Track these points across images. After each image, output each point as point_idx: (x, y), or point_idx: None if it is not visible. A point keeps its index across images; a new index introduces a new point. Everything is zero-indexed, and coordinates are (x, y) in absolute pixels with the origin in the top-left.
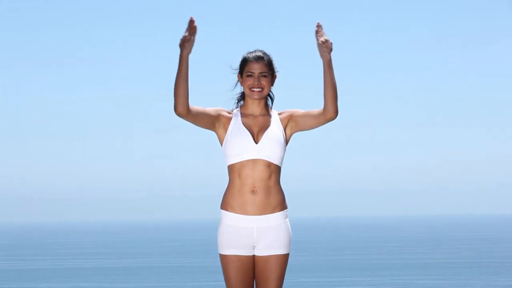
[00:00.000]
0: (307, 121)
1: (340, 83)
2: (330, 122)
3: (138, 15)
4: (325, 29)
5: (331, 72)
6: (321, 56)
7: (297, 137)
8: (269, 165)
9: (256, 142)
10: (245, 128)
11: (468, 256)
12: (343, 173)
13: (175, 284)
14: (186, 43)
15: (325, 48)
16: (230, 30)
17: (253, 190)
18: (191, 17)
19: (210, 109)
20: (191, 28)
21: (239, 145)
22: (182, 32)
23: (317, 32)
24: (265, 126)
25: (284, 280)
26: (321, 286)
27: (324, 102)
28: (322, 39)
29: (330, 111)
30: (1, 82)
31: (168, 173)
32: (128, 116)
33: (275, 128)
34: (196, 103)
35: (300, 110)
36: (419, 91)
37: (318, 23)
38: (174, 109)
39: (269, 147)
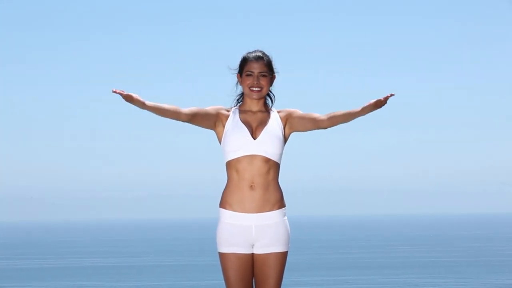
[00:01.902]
0: (302, 124)
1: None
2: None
3: (138, 15)
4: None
5: (357, 116)
6: (366, 107)
7: (297, 135)
8: (267, 160)
9: (254, 138)
10: (243, 124)
11: (468, 255)
12: (343, 173)
13: (175, 283)
14: (131, 103)
15: (377, 107)
16: (230, 30)
17: (251, 186)
18: (113, 90)
19: (210, 108)
20: (124, 96)
21: (237, 141)
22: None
23: (384, 99)
24: (263, 122)
25: (283, 279)
26: (320, 285)
27: (331, 118)
28: (383, 101)
29: (327, 125)
30: (5, 80)
31: (168, 173)
32: (128, 115)
33: (274, 124)
34: (196, 103)
35: (299, 111)
36: (418, 92)
37: (392, 94)
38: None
39: (267, 143)
